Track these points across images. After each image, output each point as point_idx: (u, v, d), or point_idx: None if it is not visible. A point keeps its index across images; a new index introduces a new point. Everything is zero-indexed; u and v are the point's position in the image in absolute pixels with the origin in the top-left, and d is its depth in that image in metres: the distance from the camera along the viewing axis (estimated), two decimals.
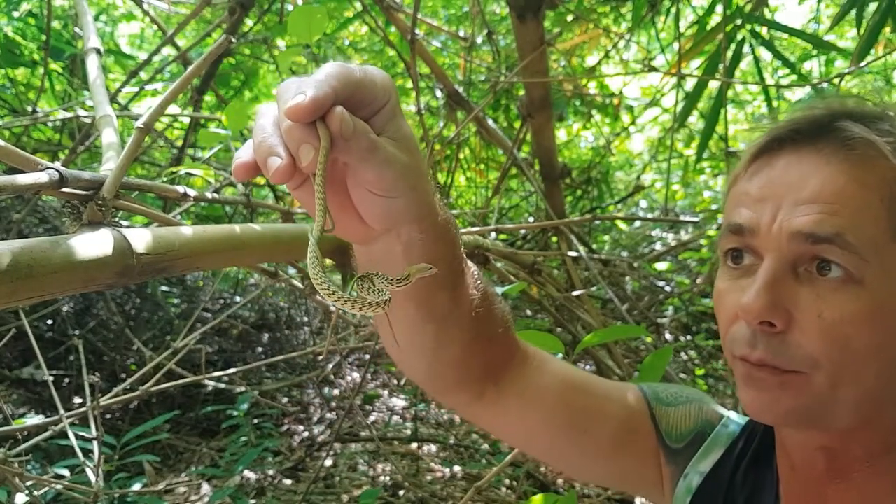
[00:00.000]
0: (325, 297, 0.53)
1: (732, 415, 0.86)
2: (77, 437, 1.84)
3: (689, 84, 2.49)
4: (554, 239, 3.45)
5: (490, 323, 0.77)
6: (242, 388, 3.12)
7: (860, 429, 0.66)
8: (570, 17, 3.30)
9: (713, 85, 2.44)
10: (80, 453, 1.80)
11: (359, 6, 3.03)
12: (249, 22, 3.31)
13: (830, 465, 0.69)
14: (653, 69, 2.39)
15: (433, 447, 3.32)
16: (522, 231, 4.13)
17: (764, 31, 2.22)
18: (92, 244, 0.89)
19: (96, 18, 3.71)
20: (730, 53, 2.15)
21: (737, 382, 0.68)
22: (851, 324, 0.60)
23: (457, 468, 3.04)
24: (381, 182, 0.57)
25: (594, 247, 4.22)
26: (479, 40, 3.30)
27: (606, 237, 5.04)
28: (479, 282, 0.75)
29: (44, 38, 2.66)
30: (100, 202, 0.98)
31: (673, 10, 2.59)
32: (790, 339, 0.62)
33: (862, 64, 2.19)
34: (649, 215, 5.36)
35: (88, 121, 2.27)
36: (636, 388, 0.88)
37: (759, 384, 0.64)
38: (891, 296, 0.60)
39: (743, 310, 0.63)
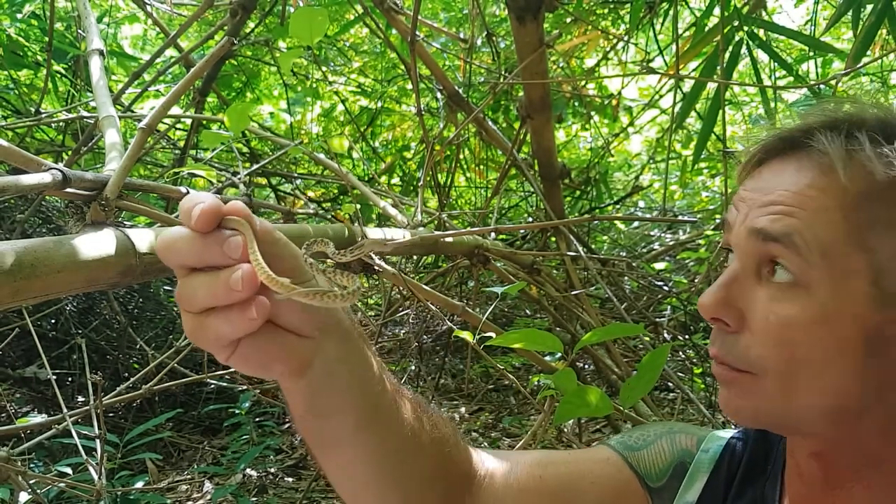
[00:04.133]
0: (288, 293, 0.51)
1: (713, 434, 0.84)
2: (80, 435, 1.85)
3: (687, 85, 2.51)
4: (553, 239, 3.46)
5: (437, 421, 0.75)
6: (244, 387, 3.14)
7: (840, 441, 0.66)
8: (568, 19, 3.31)
9: (711, 86, 2.45)
10: (82, 451, 1.82)
11: (359, 8, 3.05)
12: (251, 24, 3.33)
13: (825, 472, 0.69)
14: (651, 70, 2.40)
15: None
16: (522, 231, 4.15)
17: (761, 32, 2.22)
18: (95, 244, 0.91)
19: (99, 20, 3.73)
20: (727, 55, 2.16)
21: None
22: (797, 329, 0.61)
23: None
24: (298, 260, 0.57)
25: (593, 247, 4.23)
26: (478, 42, 3.32)
27: (605, 237, 5.05)
28: (401, 385, 0.73)
29: (46, 39, 2.68)
30: (103, 202, 1.00)
31: (671, 11, 2.61)
32: (741, 339, 0.64)
33: (858, 65, 2.21)
34: (647, 215, 5.37)
35: (91, 122, 2.29)
36: (603, 446, 0.86)
37: (722, 383, 0.67)
38: (841, 302, 0.60)
39: (699, 306, 0.66)
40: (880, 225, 0.60)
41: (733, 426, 0.87)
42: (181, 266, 0.53)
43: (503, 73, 3.27)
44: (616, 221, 4.97)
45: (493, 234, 2.81)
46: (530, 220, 4.26)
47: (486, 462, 0.82)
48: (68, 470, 2.41)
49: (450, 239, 2.34)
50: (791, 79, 2.41)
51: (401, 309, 3.76)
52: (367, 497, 0.73)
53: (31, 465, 2.55)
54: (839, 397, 0.62)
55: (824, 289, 0.60)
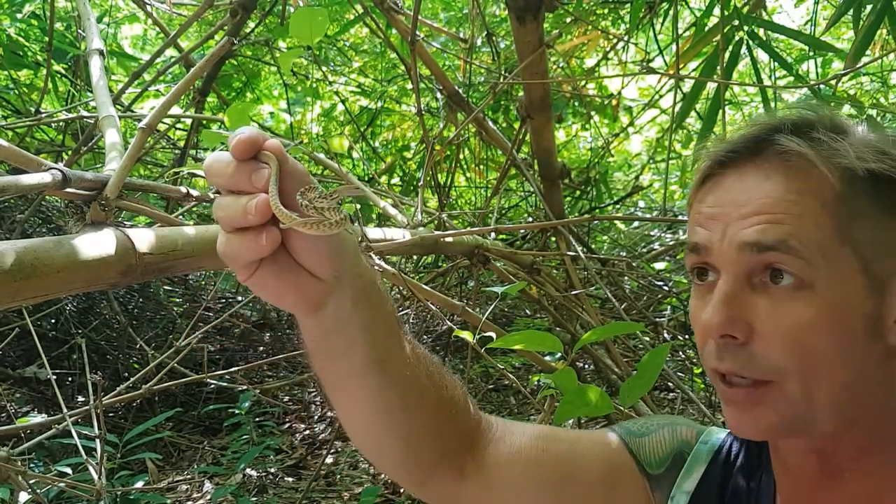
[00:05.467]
0: (289, 223, 0.57)
1: (712, 429, 0.86)
2: (80, 435, 1.86)
3: (687, 85, 2.51)
4: (553, 239, 3.46)
5: (447, 382, 0.79)
6: (244, 387, 3.14)
7: (846, 430, 0.67)
8: (568, 19, 3.31)
9: (711, 86, 2.45)
10: (82, 451, 1.82)
11: (359, 8, 3.05)
12: (251, 24, 3.33)
13: (823, 466, 0.70)
14: (651, 70, 2.41)
15: None
16: (522, 231, 4.15)
17: (761, 32, 2.23)
18: (95, 244, 0.91)
19: (99, 20, 3.73)
20: (727, 55, 2.16)
21: (721, 401, 0.70)
22: (808, 329, 0.63)
23: None
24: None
25: (593, 247, 4.23)
26: (478, 42, 3.32)
27: (605, 237, 5.04)
28: (421, 346, 0.78)
29: (46, 39, 2.68)
30: (103, 202, 1.00)
31: (671, 11, 2.61)
32: (754, 349, 0.65)
33: (858, 65, 2.21)
34: (647, 215, 5.36)
35: (91, 122, 2.29)
36: (608, 430, 0.89)
37: (738, 405, 0.67)
38: (842, 295, 0.63)
39: (705, 326, 0.67)
40: (860, 216, 0.63)
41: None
42: (218, 185, 0.59)
43: (503, 73, 3.27)
44: (616, 221, 4.97)
45: (493, 234, 2.81)
46: (530, 220, 4.26)
47: (495, 429, 0.85)
48: (68, 470, 2.41)
49: (450, 239, 2.34)
50: (791, 79, 2.41)
51: (401, 309, 3.77)
52: (370, 440, 0.78)
53: (31, 465, 2.55)
54: (851, 388, 0.65)
55: (826, 285, 0.62)
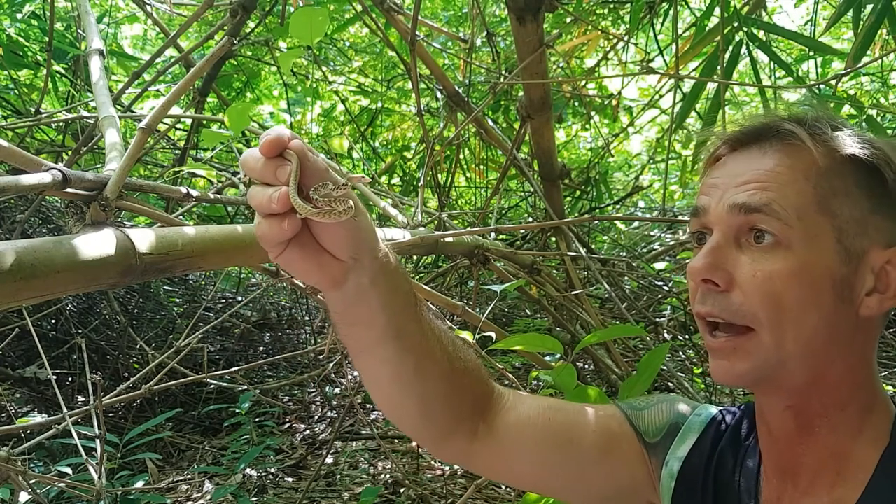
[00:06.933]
0: (304, 213, 0.64)
1: (707, 405, 0.94)
2: (80, 435, 1.86)
3: (687, 85, 2.51)
4: (553, 239, 3.46)
5: (461, 354, 0.88)
6: (244, 387, 3.14)
7: (813, 386, 0.75)
8: (568, 19, 3.31)
9: (711, 86, 2.45)
10: (82, 451, 1.82)
11: (359, 8, 3.05)
12: (251, 24, 3.33)
13: (797, 422, 0.77)
14: (651, 70, 2.40)
15: None
16: (522, 231, 4.15)
17: (761, 33, 2.23)
18: (95, 244, 0.91)
19: (99, 20, 3.73)
20: (727, 55, 2.16)
21: (708, 353, 0.79)
22: (780, 280, 0.71)
23: (457, 466, 3.06)
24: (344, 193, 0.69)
25: (593, 247, 4.23)
26: (478, 42, 3.32)
27: (605, 237, 5.04)
28: (438, 319, 0.87)
29: (46, 39, 2.68)
30: (103, 202, 1.00)
31: (671, 11, 2.61)
32: (733, 297, 0.74)
33: (858, 65, 2.21)
34: (647, 215, 5.36)
35: (91, 122, 2.29)
36: (612, 405, 0.98)
37: (717, 352, 0.76)
38: (815, 256, 0.71)
39: (690, 271, 0.76)
40: (841, 193, 0.72)
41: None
42: (251, 177, 0.68)
43: (503, 73, 3.27)
44: (616, 221, 4.97)
45: (493, 234, 2.81)
46: (530, 220, 4.26)
47: (507, 398, 0.95)
48: (68, 470, 2.41)
49: (450, 239, 2.34)
50: (790, 79, 2.41)
51: None
52: (390, 401, 0.88)
53: (31, 465, 2.55)
54: (817, 341, 0.73)
55: (801, 246, 0.71)
